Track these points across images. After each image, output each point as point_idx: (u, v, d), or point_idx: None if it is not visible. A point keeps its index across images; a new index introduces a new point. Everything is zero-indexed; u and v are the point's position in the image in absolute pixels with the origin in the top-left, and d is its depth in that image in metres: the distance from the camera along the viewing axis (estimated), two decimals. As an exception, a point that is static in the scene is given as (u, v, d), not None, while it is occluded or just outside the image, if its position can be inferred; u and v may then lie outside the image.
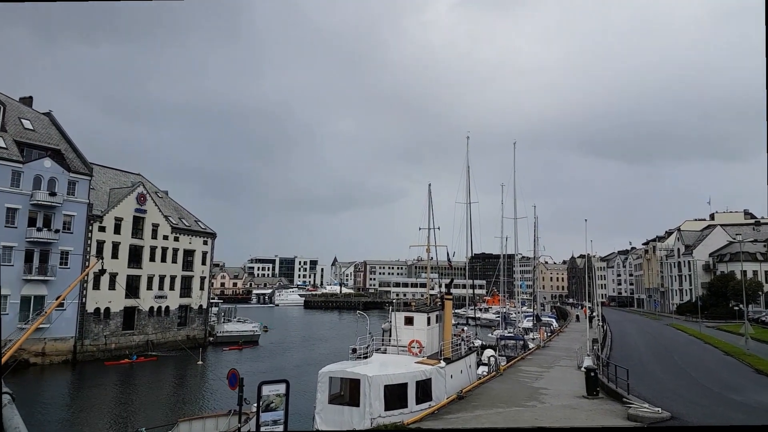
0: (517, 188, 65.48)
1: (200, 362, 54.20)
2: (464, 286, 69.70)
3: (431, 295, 41.78)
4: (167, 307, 66.21)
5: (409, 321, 30.22)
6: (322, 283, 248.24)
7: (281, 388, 14.36)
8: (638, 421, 19.05)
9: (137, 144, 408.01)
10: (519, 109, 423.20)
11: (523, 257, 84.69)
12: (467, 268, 57.38)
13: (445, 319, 31.68)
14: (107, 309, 57.84)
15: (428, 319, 30.43)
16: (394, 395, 24.34)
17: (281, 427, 14.22)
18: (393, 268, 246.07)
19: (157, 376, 50.58)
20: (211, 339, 70.71)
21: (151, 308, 63.46)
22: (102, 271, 45.75)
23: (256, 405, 18.45)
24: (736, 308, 77.44)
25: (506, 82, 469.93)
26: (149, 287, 63.87)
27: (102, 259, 48.41)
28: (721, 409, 21.59)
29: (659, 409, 19.89)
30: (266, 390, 14.15)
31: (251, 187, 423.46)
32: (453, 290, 35.89)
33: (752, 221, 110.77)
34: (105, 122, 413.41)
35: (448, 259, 52.70)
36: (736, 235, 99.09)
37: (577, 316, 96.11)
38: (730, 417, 20.09)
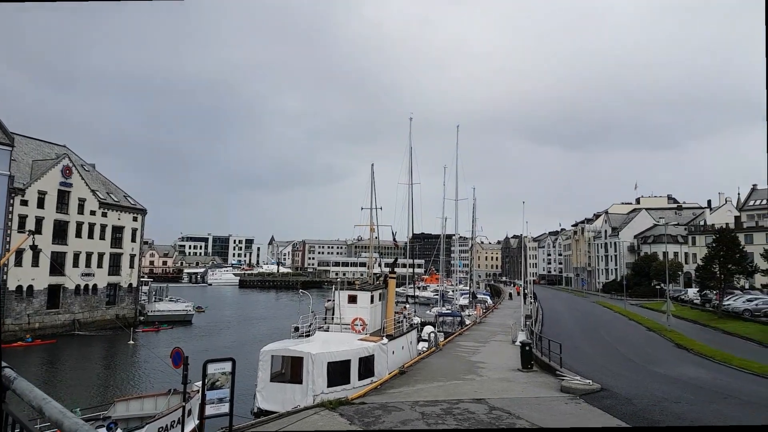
0: (458, 170, 66.49)
1: (131, 342, 52.76)
2: (404, 265, 70.63)
3: (375, 274, 42.13)
4: (95, 285, 63.96)
5: (352, 299, 30.40)
6: (258, 263, 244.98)
7: (227, 367, 14.15)
8: (571, 392, 19.87)
9: (64, 115, 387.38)
10: (464, 95, 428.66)
11: (461, 237, 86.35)
12: (408, 247, 58.16)
13: (389, 297, 32.09)
14: (30, 287, 55.29)
15: (372, 297, 30.72)
16: (337, 372, 24.61)
17: (227, 405, 14.06)
18: (333, 247, 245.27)
19: (87, 356, 48.87)
20: (142, 318, 68.83)
21: (78, 286, 60.98)
22: (34, 247, 43.44)
23: (198, 384, 18.17)
24: (658, 287, 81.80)
25: (453, 68, 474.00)
26: (75, 264, 61.42)
27: (33, 234, 45.96)
28: (647, 381, 22.82)
29: (590, 381, 20.81)
30: (212, 368, 13.92)
31: (186, 163, 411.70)
32: (387, 268, 36.42)
33: (675, 206, 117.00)
34: (29, 89, 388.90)
35: (394, 239, 53.09)
36: (660, 218, 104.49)
37: (510, 294, 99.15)
38: (654, 388, 21.23)
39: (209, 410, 13.95)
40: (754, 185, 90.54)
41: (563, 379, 21.42)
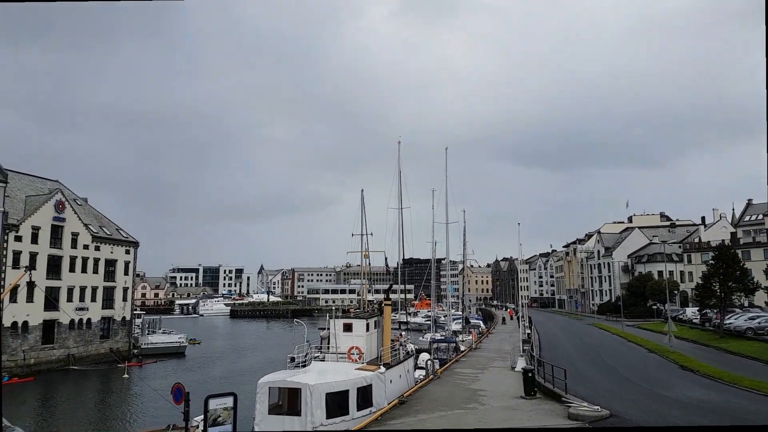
0: (448, 193, 66.13)
1: (126, 376, 51.84)
2: (395, 291, 70.05)
3: (369, 301, 41.66)
4: (89, 320, 63.21)
5: (348, 328, 29.96)
6: (248, 292, 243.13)
7: (229, 402, 13.73)
8: (579, 419, 19.44)
9: (55, 150, 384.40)
10: (451, 118, 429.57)
11: (451, 261, 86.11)
12: (399, 273, 57.67)
13: (384, 325, 31.64)
14: (25, 322, 54.47)
15: (367, 325, 30.29)
16: (336, 403, 24.10)
17: (229, 442, 13.58)
18: (321, 275, 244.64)
19: (82, 392, 47.85)
20: (136, 351, 67.83)
21: (72, 321, 60.17)
22: (32, 284, 42.52)
23: (197, 418, 17.63)
24: (654, 307, 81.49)
25: (439, 91, 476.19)
26: (69, 299, 60.73)
27: (30, 270, 45.15)
28: (656, 406, 22.30)
29: (598, 407, 20.37)
30: (213, 404, 13.48)
31: (175, 195, 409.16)
32: (379, 295, 36.03)
33: (668, 223, 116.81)
34: (21, 126, 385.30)
35: (387, 265, 52.55)
36: (653, 236, 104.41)
37: (504, 318, 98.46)
38: (666, 413, 20.73)
39: (211, 448, 13.47)
40: (749, 200, 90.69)
41: (570, 406, 20.97)
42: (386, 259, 53.46)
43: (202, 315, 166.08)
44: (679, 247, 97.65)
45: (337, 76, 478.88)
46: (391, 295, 36.01)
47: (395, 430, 20.10)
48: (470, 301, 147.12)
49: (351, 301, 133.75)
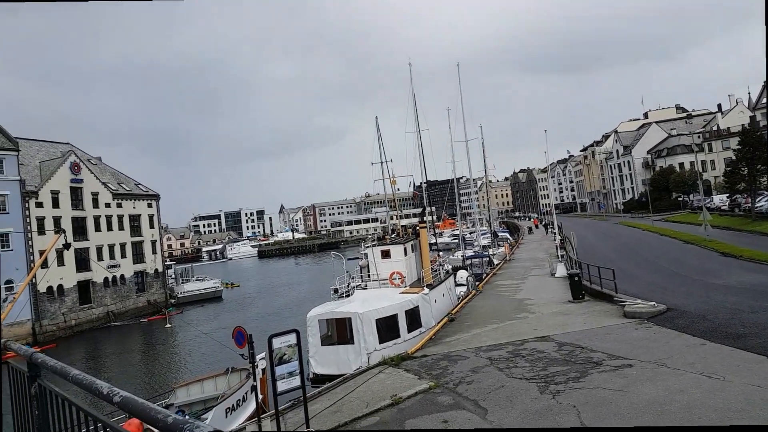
0: (464, 110, 64.49)
1: (169, 326, 52.99)
2: (426, 214, 69.67)
3: (403, 226, 41.52)
4: (122, 276, 64.15)
5: (386, 254, 29.88)
6: (272, 232, 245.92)
7: (292, 339, 13.59)
8: (636, 317, 19.27)
9: (62, 113, 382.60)
10: (456, 39, 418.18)
11: (472, 179, 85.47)
12: (425, 195, 57.36)
13: (422, 247, 31.57)
14: (60, 286, 55.36)
15: (405, 249, 30.18)
16: (386, 327, 24.25)
17: (297, 379, 13.55)
18: (342, 207, 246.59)
19: (129, 347, 49.02)
20: (173, 301, 69.19)
21: (106, 279, 61.15)
22: (66, 246, 42.74)
23: (258, 358, 17.71)
24: (680, 199, 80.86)
25: (444, 7, 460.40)
26: (100, 258, 61.36)
27: (64, 232, 45.26)
28: (710, 294, 22.08)
29: (654, 302, 20.19)
30: (277, 342, 13.35)
31: (188, 144, 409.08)
32: (407, 220, 35.77)
33: (684, 115, 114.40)
34: (24, 92, 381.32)
35: (414, 188, 51.97)
36: (671, 129, 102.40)
37: (530, 228, 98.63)
38: (723, 300, 20.52)
39: (281, 386, 13.46)
40: (766, 82, 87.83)
41: (624, 305, 20.83)
42: (411, 183, 52.79)
43: (230, 259, 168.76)
44: (699, 137, 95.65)
45: (336, 6, 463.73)
46: (415, 220, 35.90)
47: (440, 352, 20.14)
48: (491, 215, 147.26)
49: (375, 230, 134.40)
